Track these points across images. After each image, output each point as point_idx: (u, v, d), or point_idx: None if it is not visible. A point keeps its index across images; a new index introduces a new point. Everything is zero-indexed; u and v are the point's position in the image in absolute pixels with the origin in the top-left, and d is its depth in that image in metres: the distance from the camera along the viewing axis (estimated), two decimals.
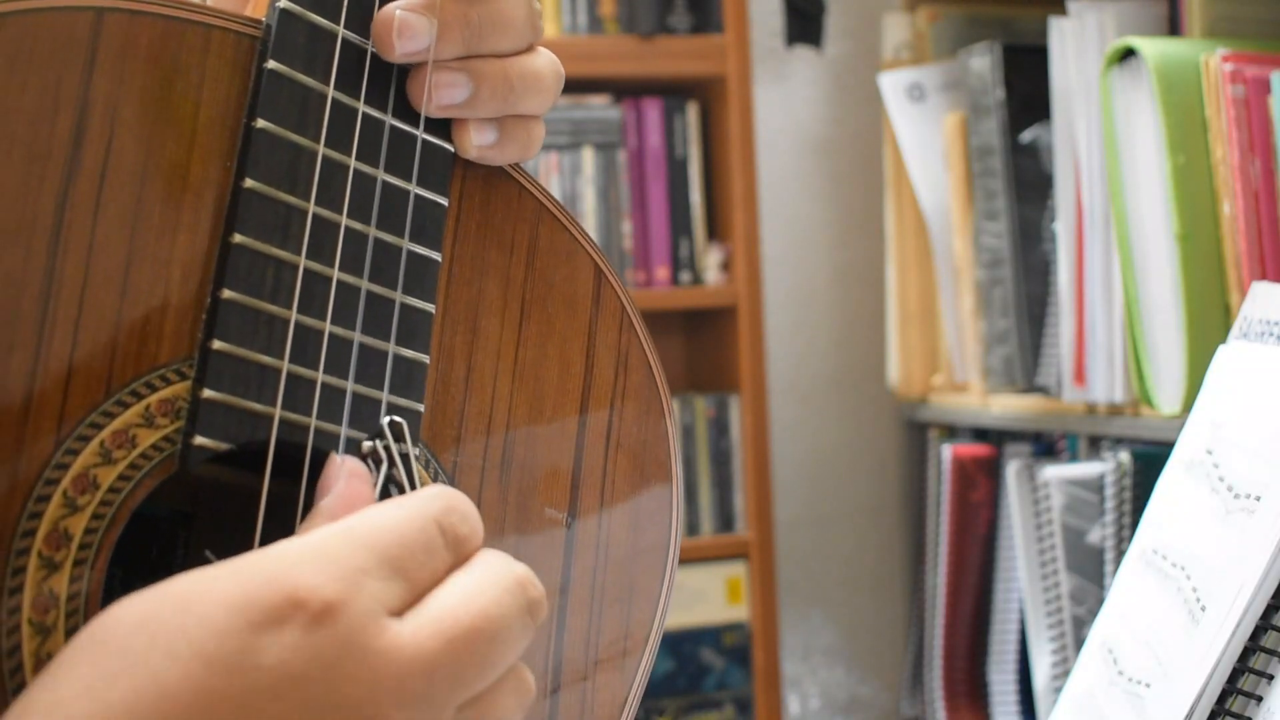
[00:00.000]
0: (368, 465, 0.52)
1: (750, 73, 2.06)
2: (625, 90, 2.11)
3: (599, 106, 2.08)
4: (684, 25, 2.07)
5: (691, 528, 2.08)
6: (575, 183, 2.07)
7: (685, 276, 2.10)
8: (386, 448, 0.52)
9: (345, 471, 0.50)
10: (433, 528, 0.46)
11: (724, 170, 2.10)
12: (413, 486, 0.52)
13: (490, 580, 0.46)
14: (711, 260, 2.10)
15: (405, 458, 0.51)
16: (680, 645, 2.05)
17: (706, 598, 2.06)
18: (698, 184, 2.12)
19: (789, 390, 2.28)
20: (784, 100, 2.29)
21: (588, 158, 2.07)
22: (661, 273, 2.09)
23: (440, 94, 0.56)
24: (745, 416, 2.07)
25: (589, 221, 2.07)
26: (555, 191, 2.06)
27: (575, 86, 2.07)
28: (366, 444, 0.52)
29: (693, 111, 2.12)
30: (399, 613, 0.45)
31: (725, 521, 2.09)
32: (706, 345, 2.20)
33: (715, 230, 2.14)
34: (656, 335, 2.40)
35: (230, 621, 0.42)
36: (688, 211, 2.12)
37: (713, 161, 2.14)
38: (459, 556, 0.47)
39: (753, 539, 2.07)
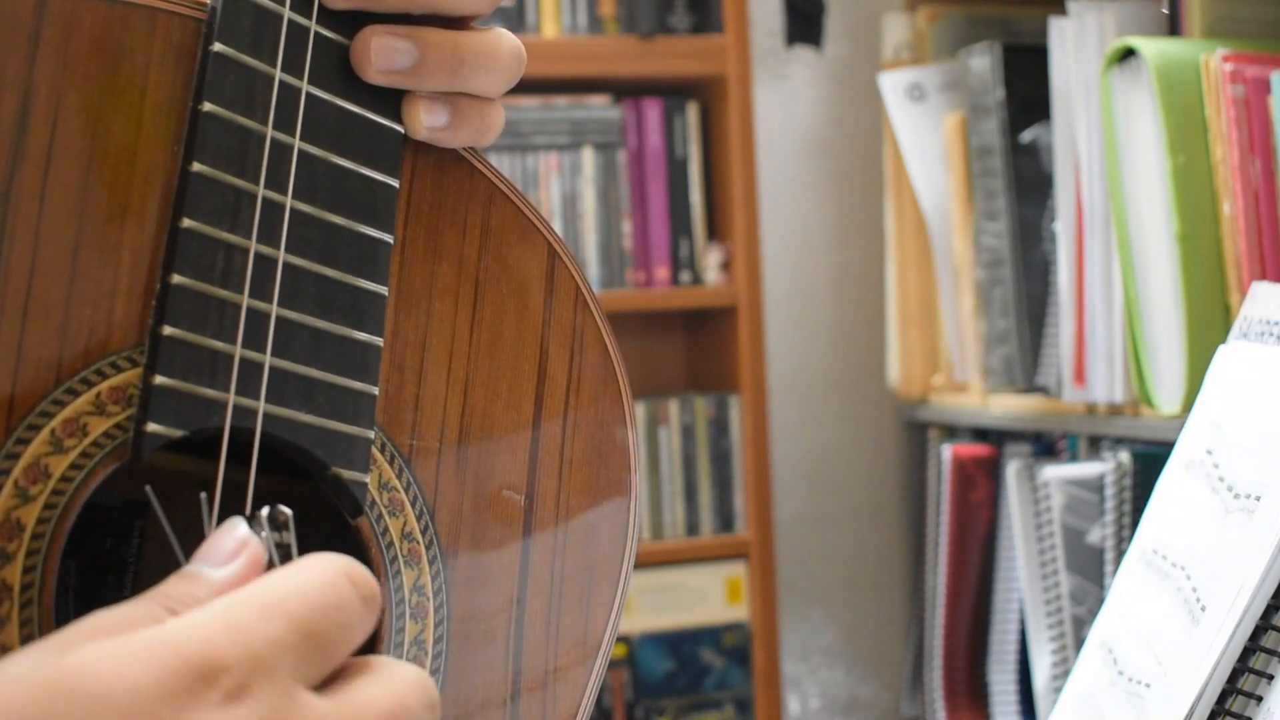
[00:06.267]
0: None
1: (750, 73, 2.06)
2: (625, 90, 2.11)
3: (599, 106, 2.08)
4: (684, 25, 2.07)
5: (691, 528, 2.08)
6: (575, 183, 2.07)
7: (685, 276, 2.10)
8: (265, 537, 0.49)
9: (247, 555, 0.47)
10: (343, 581, 0.45)
11: (724, 170, 2.10)
12: None
13: (401, 675, 0.46)
14: (711, 260, 2.10)
15: (285, 549, 0.49)
16: (680, 645, 2.05)
17: (706, 598, 2.06)
18: (698, 184, 2.12)
19: (789, 390, 2.27)
20: (784, 100, 2.28)
21: (588, 158, 2.07)
22: (661, 273, 2.09)
23: (381, 59, 0.55)
24: (745, 416, 2.07)
25: (589, 222, 2.06)
26: (555, 191, 2.06)
27: (575, 86, 2.07)
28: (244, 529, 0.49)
29: (693, 111, 2.12)
30: (316, 683, 0.44)
31: (725, 521, 2.09)
32: (706, 345, 2.19)
33: (715, 230, 2.13)
34: (656, 335, 2.38)
35: (155, 713, 0.40)
36: (688, 211, 2.11)
37: (713, 161, 2.13)
38: (370, 611, 0.46)
39: (753, 539, 2.07)
